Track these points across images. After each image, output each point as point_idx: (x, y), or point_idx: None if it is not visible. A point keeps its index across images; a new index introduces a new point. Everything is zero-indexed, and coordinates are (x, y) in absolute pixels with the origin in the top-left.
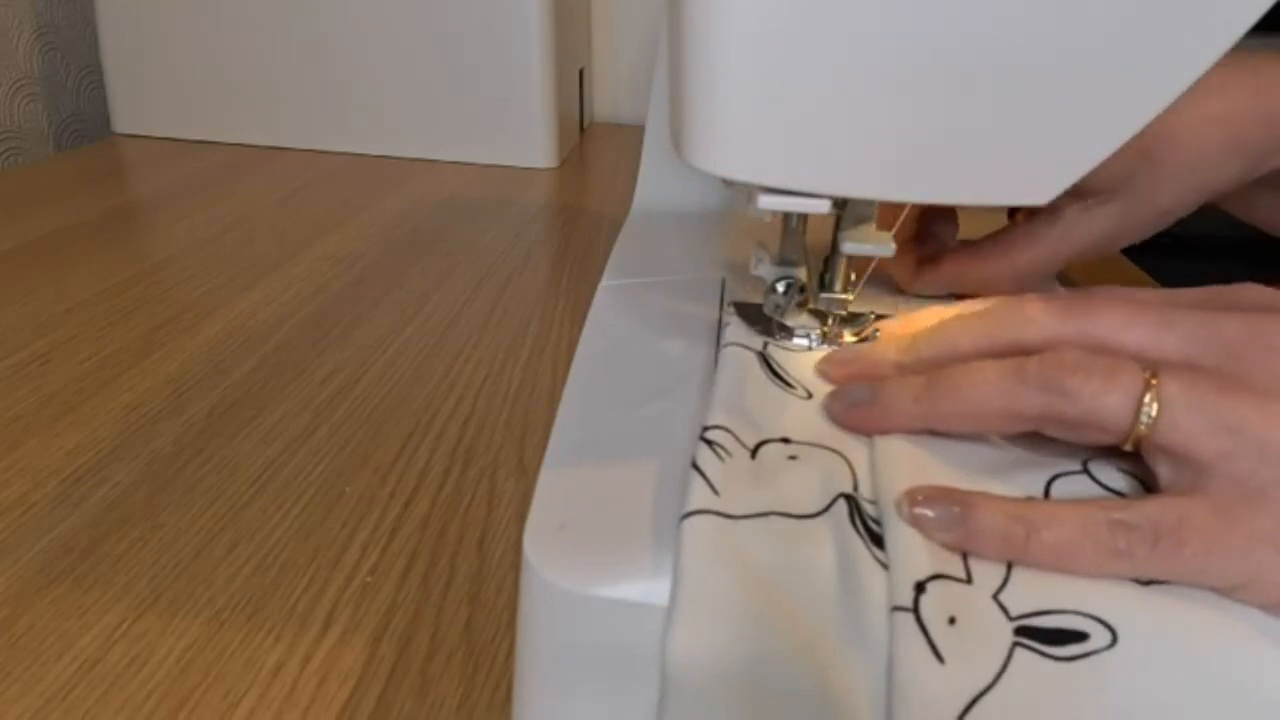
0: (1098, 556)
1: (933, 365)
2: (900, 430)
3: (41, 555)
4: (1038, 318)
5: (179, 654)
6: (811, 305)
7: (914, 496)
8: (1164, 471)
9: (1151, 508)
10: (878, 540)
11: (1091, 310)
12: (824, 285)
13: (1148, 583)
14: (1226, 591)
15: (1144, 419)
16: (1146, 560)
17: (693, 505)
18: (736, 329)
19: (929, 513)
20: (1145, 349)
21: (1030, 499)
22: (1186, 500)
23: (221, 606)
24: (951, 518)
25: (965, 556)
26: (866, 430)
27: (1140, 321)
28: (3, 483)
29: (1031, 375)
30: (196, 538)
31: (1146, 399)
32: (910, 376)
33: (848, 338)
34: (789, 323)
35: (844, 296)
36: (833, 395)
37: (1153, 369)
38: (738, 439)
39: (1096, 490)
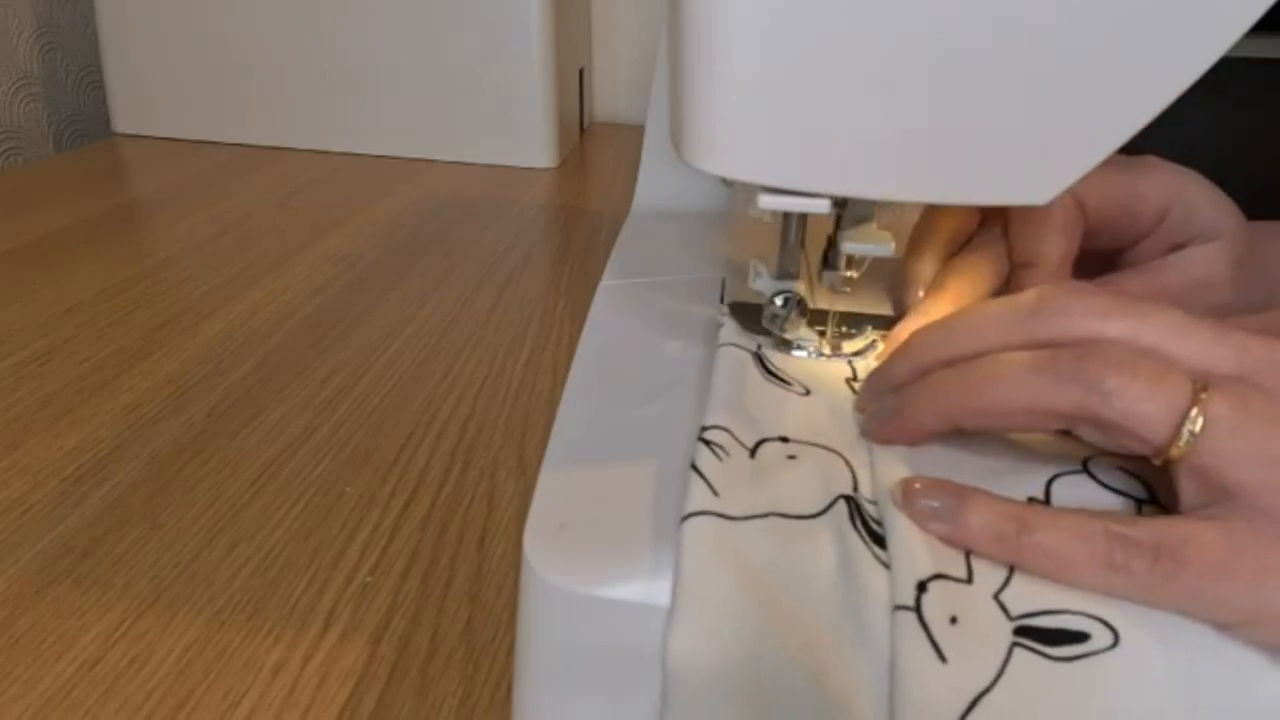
0: (1093, 567)
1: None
2: (931, 432)
3: (41, 555)
4: (1080, 313)
5: (179, 654)
6: (814, 291)
7: (909, 485)
8: (1188, 490)
9: (1158, 525)
10: (879, 540)
11: (1141, 312)
12: (827, 263)
13: None
14: (1229, 626)
15: (1185, 436)
16: (1144, 577)
17: (692, 507)
18: (731, 329)
19: (923, 502)
20: (1195, 360)
21: (1031, 500)
22: (1199, 523)
23: (221, 606)
24: (946, 509)
25: (968, 557)
26: (899, 441)
27: (1194, 332)
28: (3, 483)
29: (1067, 369)
30: (196, 538)
31: (1193, 413)
32: (932, 375)
33: (846, 348)
34: (788, 336)
35: (849, 274)
36: (866, 413)
37: (1203, 382)
38: (736, 439)
39: (1098, 490)
